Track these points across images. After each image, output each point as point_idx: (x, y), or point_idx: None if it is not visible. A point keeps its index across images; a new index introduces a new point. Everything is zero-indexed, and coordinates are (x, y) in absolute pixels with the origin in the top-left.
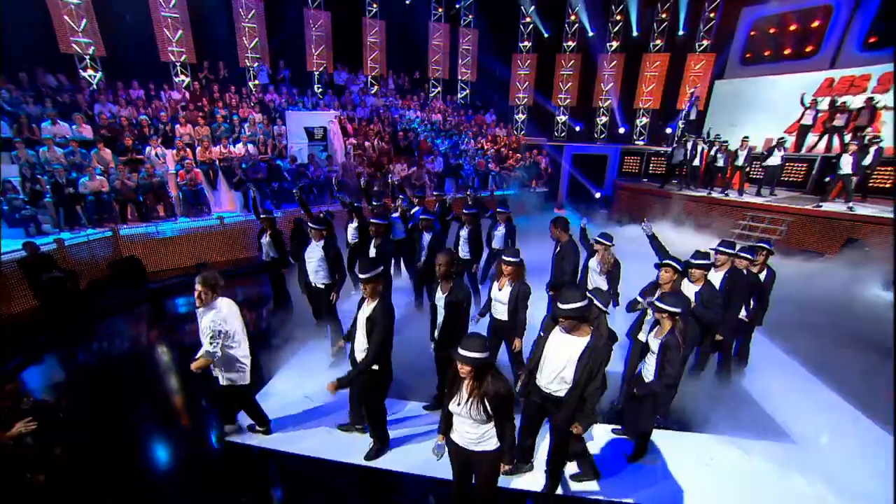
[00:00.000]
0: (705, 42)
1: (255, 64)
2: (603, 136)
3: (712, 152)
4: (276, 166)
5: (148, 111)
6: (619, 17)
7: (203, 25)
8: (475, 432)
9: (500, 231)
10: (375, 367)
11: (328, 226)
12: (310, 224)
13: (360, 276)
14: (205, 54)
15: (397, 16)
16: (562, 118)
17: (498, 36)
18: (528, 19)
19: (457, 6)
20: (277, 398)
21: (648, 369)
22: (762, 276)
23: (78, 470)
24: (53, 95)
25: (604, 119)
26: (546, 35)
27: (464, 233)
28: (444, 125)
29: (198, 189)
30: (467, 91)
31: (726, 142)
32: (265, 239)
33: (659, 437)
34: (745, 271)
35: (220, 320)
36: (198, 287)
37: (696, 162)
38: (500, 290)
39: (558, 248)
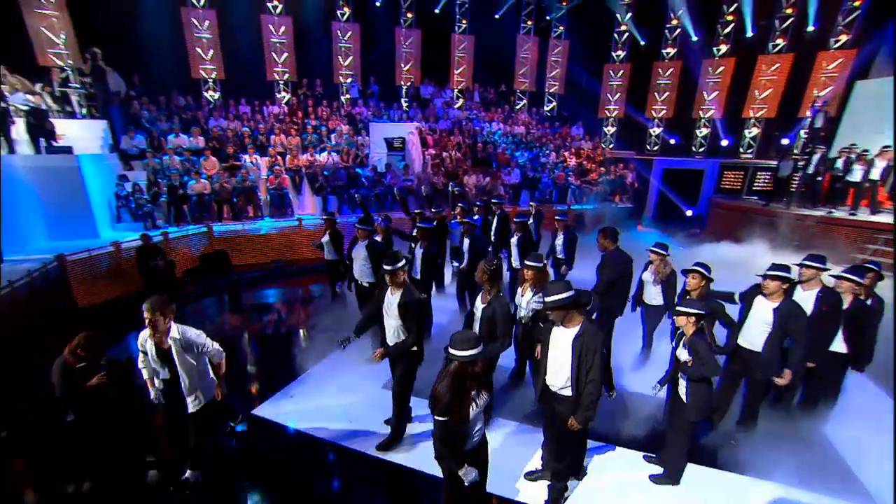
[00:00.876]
0: (844, 37)
1: (348, 80)
2: (702, 149)
3: (839, 164)
4: (355, 174)
5: (250, 124)
6: (730, 18)
7: (305, 47)
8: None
9: (560, 240)
10: (415, 347)
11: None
12: (356, 224)
13: (384, 267)
14: (304, 73)
15: (486, 30)
16: (655, 131)
17: (589, 47)
18: (623, 27)
19: (547, 18)
20: (311, 385)
21: (682, 385)
22: (868, 302)
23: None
24: (180, 113)
25: (704, 131)
26: (642, 43)
27: (514, 240)
28: (526, 137)
29: (283, 193)
30: (554, 103)
31: (866, 151)
32: (325, 238)
33: (698, 473)
34: (848, 294)
35: (194, 334)
36: (147, 315)
37: (809, 173)
38: (521, 295)
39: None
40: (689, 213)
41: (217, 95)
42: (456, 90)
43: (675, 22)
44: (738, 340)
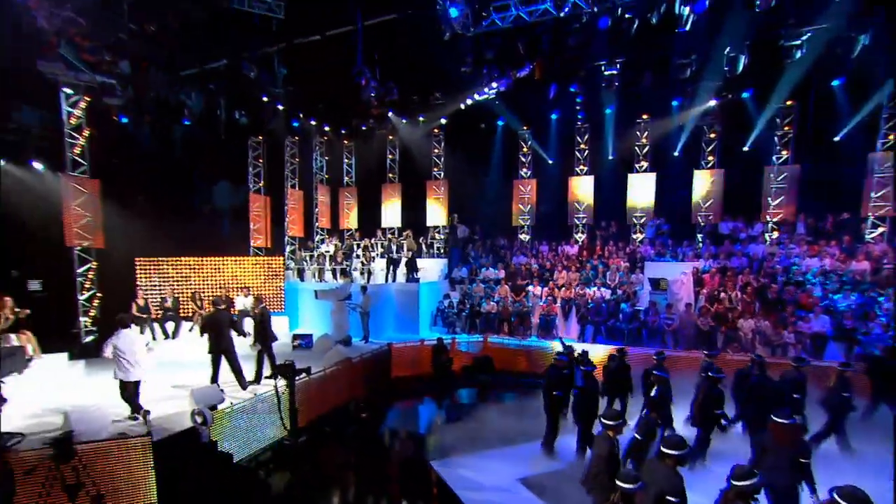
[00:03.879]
0: None
1: (643, 219)
2: None
3: None
4: (615, 308)
5: (543, 261)
6: None
7: (603, 193)
8: None
9: None
10: None
11: None
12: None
13: (605, 421)
14: (602, 215)
15: (817, 155)
16: None
17: None
18: None
19: None
20: None
21: None
22: None
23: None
24: (497, 251)
25: None
26: None
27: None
28: (863, 276)
29: (552, 319)
30: None
31: None
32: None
33: None
34: None
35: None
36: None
37: None
38: None
39: None
40: None
41: (528, 237)
42: (770, 223)
43: None
44: None
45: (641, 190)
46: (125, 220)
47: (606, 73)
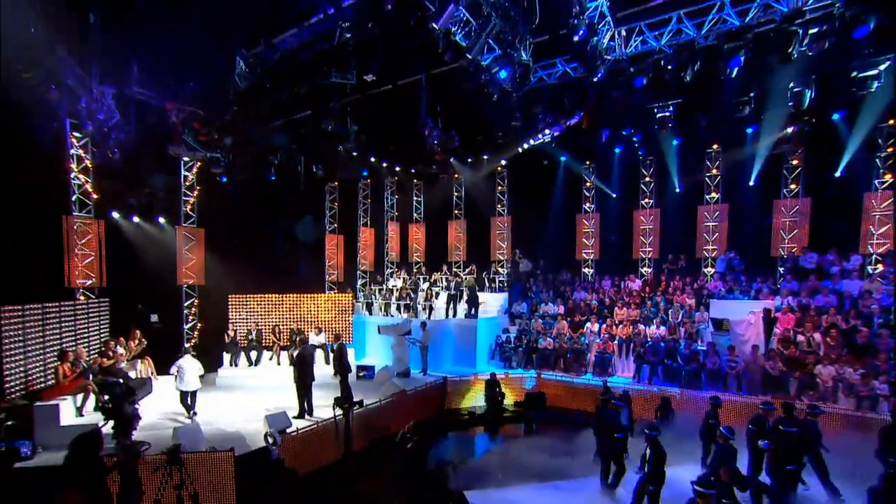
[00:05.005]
0: None
1: (713, 254)
2: None
3: None
4: (673, 348)
5: (603, 297)
6: None
7: (669, 227)
8: None
9: None
10: None
11: None
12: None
13: (697, 488)
14: (668, 248)
15: None
16: None
17: None
18: None
19: None
20: None
21: None
22: None
23: None
24: (559, 286)
25: None
26: None
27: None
28: None
29: (607, 357)
30: None
31: None
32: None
33: None
34: None
35: None
36: None
37: None
38: None
39: None
40: None
41: (591, 272)
42: (874, 255)
43: None
44: None
45: (712, 222)
46: (222, 261)
47: (658, 115)
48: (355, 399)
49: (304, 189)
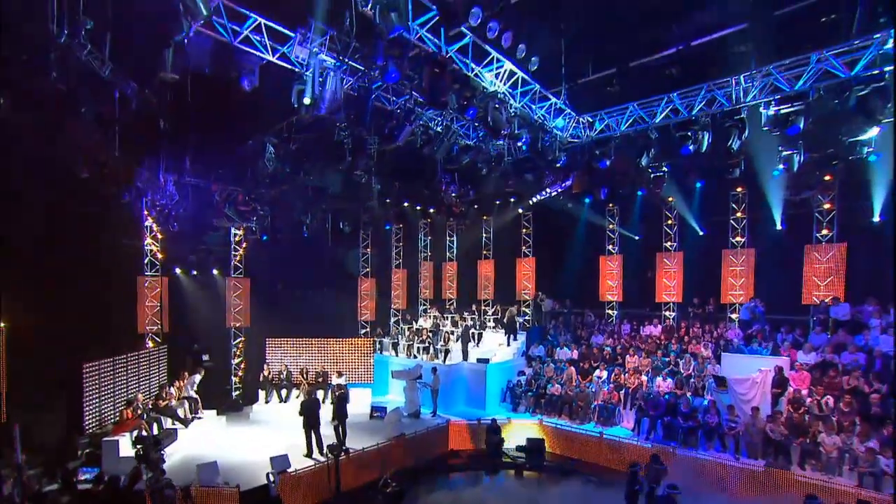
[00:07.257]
0: None
1: (740, 298)
2: None
3: None
4: (673, 403)
5: (616, 344)
6: None
7: (696, 270)
8: None
9: None
10: None
11: None
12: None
13: None
14: (694, 293)
15: None
16: None
17: None
18: None
19: None
20: None
21: None
22: None
23: None
24: (577, 329)
25: None
26: None
27: None
28: None
29: (611, 407)
30: None
31: None
32: None
33: None
34: None
35: None
36: None
37: None
38: None
39: None
40: None
41: (614, 313)
42: None
43: None
44: None
45: (737, 267)
46: (264, 306)
47: (654, 175)
48: (347, 445)
49: (334, 242)
